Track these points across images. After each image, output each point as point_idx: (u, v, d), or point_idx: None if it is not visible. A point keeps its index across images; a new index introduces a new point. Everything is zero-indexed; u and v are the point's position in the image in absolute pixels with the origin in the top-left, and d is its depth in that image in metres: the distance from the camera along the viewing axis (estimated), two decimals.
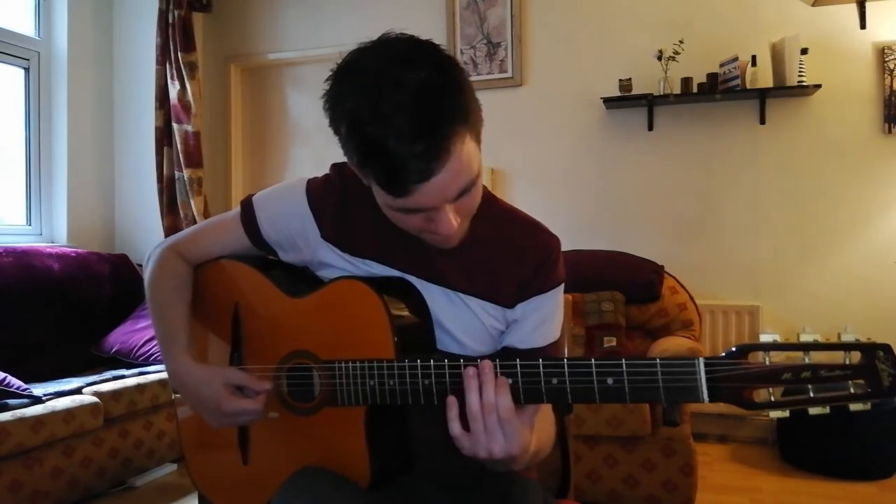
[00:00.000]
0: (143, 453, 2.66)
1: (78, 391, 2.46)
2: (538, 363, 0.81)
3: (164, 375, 2.76)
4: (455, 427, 0.82)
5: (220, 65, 4.04)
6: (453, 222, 0.87)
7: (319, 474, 0.92)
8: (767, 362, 0.75)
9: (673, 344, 2.52)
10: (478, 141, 0.88)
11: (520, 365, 0.82)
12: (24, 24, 3.44)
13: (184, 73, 3.59)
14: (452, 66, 0.84)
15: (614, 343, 2.68)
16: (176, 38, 3.59)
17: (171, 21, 3.60)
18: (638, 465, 2.30)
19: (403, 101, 0.78)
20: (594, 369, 0.79)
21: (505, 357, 0.84)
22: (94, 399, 2.44)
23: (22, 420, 2.16)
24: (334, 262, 1.04)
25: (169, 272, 1.09)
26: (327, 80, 0.87)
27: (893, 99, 2.96)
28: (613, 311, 2.73)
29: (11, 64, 3.37)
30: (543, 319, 1.01)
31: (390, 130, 0.78)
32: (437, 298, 1.00)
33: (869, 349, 0.74)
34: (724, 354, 0.76)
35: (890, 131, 2.97)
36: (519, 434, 0.80)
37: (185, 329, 1.05)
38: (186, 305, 1.08)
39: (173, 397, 1.17)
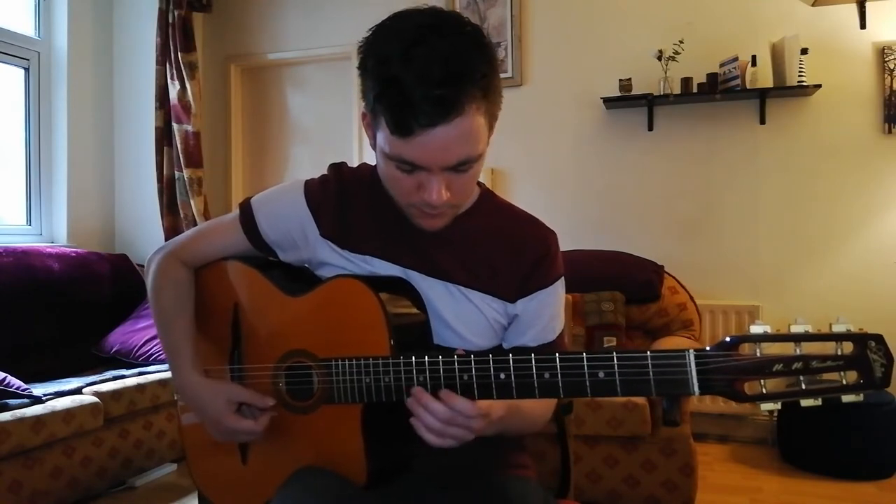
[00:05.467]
0: (143, 453, 2.66)
1: (78, 391, 2.46)
2: (530, 358, 0.82)
3: (165, 375, 2.77)
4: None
5: (220, 65, 4.04)
6: (442, 193, 0.88)
7: (317, 475, 0.92)
8: (758, 354, 0.74)
9: (672, 343, 2.52)
10: (490, 129, 0.90)
11: (512, 360, 0.82)
12: (24, 24, 3.44)
13: (184, 73, 3.59)
14: (492, 51, 0.87)
15: (614, 343, 2.68)
16: (176, 38, 3.59)
17: (171, 21, 3.60)
18: (638, 466, 2.30)
19: (437, 49, 0.81)
20: (585, 363, 0.79)
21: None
22: (94, 399, 2.44)
23: (22, 420, 2.16)
24: (333, 260, 1.04)
25: (170, 281, 1.09)
26: (369, 29, 0.89)
27: (893, 99, 2.96)
28: (613, 311, 2.73)
29: (11, 64, 3.37)
30: (552, 315, 1.03)
31: (414, 69, 0.80)
32: (438, 293, 1.00)
33: (861, 339, 0.73)
34: (714, 346, 0.75)
35: (890, 131, 2.97)
36: (467, 427, 0.84)
37: (189, 341, 1.06)
38: (189, 315, 1.08)
39: (175, 397, 1.18)
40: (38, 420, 2.20)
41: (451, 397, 0.83)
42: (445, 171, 0.87)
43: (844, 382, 0.73)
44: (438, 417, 0.83)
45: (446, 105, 0.81)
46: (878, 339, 0.73)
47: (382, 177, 0.94)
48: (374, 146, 0.94)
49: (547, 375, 0.81)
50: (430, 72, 0.80)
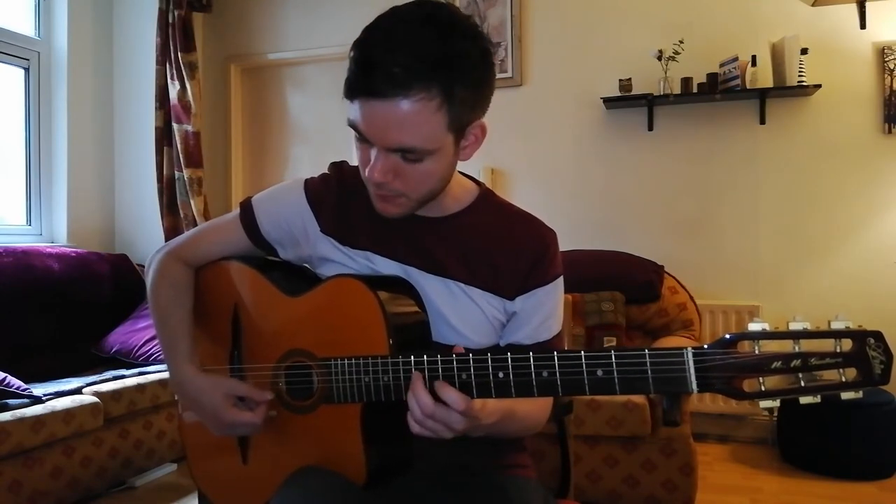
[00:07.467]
0: (143, 453, 2.66)
1: (78, 391, 2.46)
2: (528, 356, 0.82)
3: (165, 375, 2.77)
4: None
5: (220, 65, 4.04)
6: (378, 171, 0.88)
7: (317, 475, 0.92)
8: (757, 351, 0.74)
9: (672, 343, 2.51)
10: (454, 134, 0.89)
11: (510, 358, 0.82)
12: (24, 24, 3.44)
13: (184, 73, 3.59)
14: (483, 70, 0.88)
15: (614, 343, 2.68)
16: (176, 38, 3.59)
17: (171, 21, 3.60)
18: (638, 465, 2.30)
19: (418, 36, 0.82)
20: (584, 361, 0.79)
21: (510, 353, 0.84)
22: (94, 399, 2.44)
23: (22, 420, 2.16)
24: (334, 255, 1.04)
25: (168, 280, 1.09)
26: None
27: (893, 99, 2.96)
28: (613, 311, 2.73)
29: (11, 64, 3.37)
30: (548, 314, 1.02)
31: (378, 41, 0.83)
32: (438, 289, 1.00)
33: (860, 336, 0.72)
34: (713, 344, 0.75)
35: (890, 131, 2.97)
36: (449, 418, 0.82)
37: (186, 338, 1.06)
38: (187, 313, 1.08)
39: (175, 397, 1.18)
40: (38, 420, 2.20)
41: (444, 389, 0.83)
42: (390, 152, 0.88)
43: (843, 379, 0.72)
44: (423, 410, 0.83)
45: (393, 78, 0.82)
46: (878, 335, 0.72)
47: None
48: None
49: (545, 374, 0.81)
50: (392, 45, 0.82)
